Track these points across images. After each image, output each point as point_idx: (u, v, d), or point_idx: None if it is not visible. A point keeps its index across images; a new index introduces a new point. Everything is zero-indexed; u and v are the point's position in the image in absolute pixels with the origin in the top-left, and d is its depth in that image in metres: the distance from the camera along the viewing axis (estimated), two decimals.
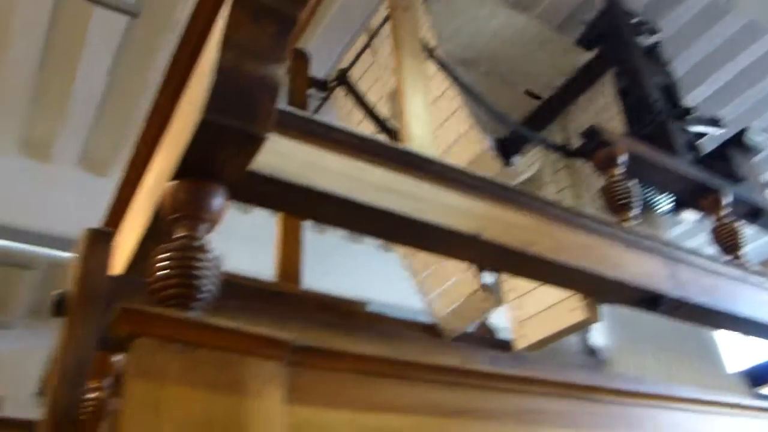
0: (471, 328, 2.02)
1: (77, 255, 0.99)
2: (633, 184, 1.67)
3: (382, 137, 2.18)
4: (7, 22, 3.57)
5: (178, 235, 0.85)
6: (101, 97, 4.03)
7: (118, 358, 1.26)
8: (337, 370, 0.85)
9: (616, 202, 1.63)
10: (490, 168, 1.87)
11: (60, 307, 0.95)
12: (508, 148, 2.73)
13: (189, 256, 0.83)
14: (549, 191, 2.25)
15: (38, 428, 1.55)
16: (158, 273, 0.82)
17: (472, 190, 1.30)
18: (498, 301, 1.87)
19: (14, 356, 6.66)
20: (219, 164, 0.88)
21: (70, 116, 4.14)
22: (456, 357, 1.34)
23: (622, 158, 1.72)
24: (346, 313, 1.67)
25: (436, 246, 1.31)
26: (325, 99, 2.47)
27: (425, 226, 1.20)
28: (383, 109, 2.29)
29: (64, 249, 4.78)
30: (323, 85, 2.60)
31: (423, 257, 2.25)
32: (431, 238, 1.25)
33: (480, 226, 1.27)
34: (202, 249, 0.84)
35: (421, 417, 0.91)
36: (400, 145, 1.31)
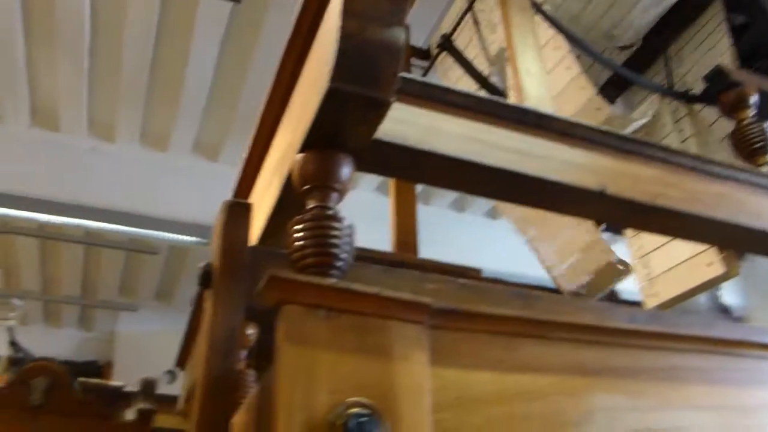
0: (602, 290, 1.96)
1: (218, 227, 1.03)
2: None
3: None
4: (120, 21, 3.76)
5: (311, 206, 0.87)
6: (210, 84, 4.18)
7: (251, 331, 1.31)
8: (477, 331, 0.85)
9: (749, 147, 1.53)
10: (601, 113, 1.80)
11: (206, 279, 1.00)
12: (607, 98, 2.61)
13: (323, 225, 0.84)
14: (672, 141, 2.14)
15: (184, 401, 1.64)
16: (295, 243, 0.84)
17: (594, 145, 1.26)
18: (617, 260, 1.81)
19: (142, 337, 7.13)
20: (345, 133, 0.88)
21: (183, 105, 4.32)
22: (590, 316, 1.30)
23: (753, 98, 1.60)
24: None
25: (560, 205, 1.27)
26: (429, 66, 2.45)
27: (549, 185, 1.17)
28: (489, 72, 2.25)
29: (182, 233, 5.04)
30: (425, 53, 2.58)
31: (529, 217, 2.20)
32: (555, 197, 1.22)
33: (604, 181, 1.23)
34: (335, 218, 0.85)
35: (563, 377, 0.90)
36: (519, 104, 1.28)
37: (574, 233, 1.92)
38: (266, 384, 0.85)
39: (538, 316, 0.91)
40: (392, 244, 1.99)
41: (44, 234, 5.74)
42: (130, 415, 2.73)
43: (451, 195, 5.61)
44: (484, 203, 5.68)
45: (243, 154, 1.27)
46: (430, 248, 2.21)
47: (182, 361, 1.97)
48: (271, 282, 0.72)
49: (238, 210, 1.04)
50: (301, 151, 0.90)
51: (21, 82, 4.20)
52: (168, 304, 7.23)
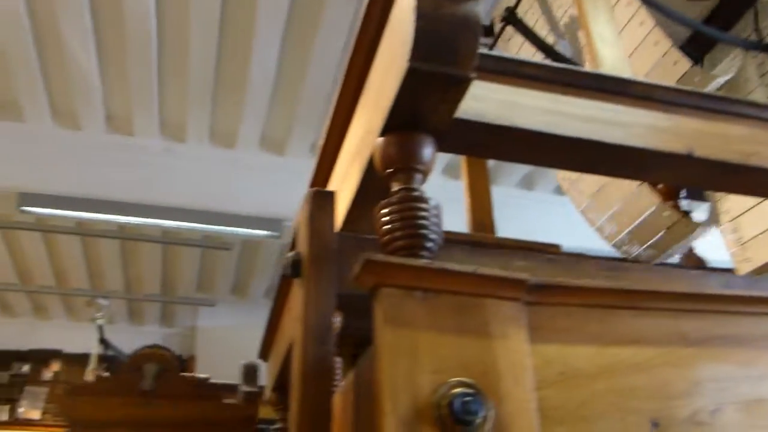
0: (676, 253, 1.90)
1: (304, 216, 1.04)
2: None
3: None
4: (184, 25, 3.84)
5: (396, 189, 0.87)
6: (274, 79, 4.22)
7: (337, 319, 1.33)
8: (573, 305, 0.83)
9: None
10: (679, 67, 1.73)
11: (296, 268, 1.01)
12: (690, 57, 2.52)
13: (411, 206, 0.84)
14: (759, 97, 2.04)
15: (270, 391, 1.67)
16: (384, 227, 0.84)
17: (678, 107, 1.21)
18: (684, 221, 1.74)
19: (221, 331, 7.32)
20: (426, 113, 0.87)
21: (248, 101, 4.39)
22: (683, 284, 1.26)
23: None
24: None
25: (647, 171, 1.23)
26: (494, 42, 2.40)
27: (633, 152, 1.13)
28: (556, 43, 2.19)
29: (253, 228, 5.13)
30: (487, 30, 2.53)
31: (584, 188, 2.14)
32: (641, 164, 1.18)
33: (691, 144, 1.18)
34: (422, 199, 0.85)
35: (666, 348, 0.87)
36: (596, 71, 1.24)
37: (632, 200, 1.87)
38: (364, 367, 0.85)
39: (635, 287, 0.89)
40: (468, 225, 1.97)
41: (124, 235, 5.96)
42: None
43: (518, 174, 5.52)
44: (552, 180, 5.57)
45: (320, 142, 1.28)
46: (501, 228, 2.18)
47: (265, 352, 2.01)
48: (367, 266, 0.72)
49: (322, 199, 1.04)
50: (382, 134, 0.90)
51: (95, 91, 4.36)
52: (243, 298, 7.40)
